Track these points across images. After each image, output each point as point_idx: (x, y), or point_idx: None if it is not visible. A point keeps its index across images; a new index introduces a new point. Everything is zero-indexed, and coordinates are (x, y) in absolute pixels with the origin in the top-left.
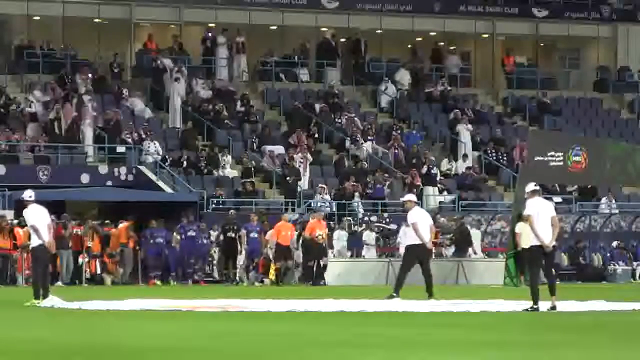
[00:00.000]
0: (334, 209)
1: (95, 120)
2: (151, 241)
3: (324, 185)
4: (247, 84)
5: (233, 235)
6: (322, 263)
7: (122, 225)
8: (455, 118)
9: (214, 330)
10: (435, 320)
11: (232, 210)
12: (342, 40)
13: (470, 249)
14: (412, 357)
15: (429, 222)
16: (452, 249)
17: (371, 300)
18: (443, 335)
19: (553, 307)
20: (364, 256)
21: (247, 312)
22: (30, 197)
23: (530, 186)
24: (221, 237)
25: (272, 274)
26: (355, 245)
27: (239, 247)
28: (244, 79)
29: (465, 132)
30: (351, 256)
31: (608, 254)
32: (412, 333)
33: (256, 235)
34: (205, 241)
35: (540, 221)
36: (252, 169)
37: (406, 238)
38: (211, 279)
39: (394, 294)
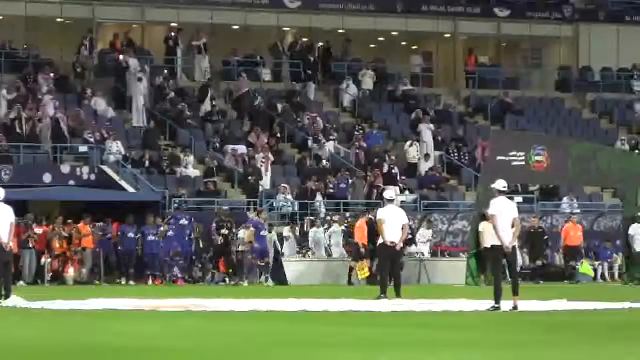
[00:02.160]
0: (296, 208)
1: (57, 120)
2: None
3: (286, 185)
4: (210, 83)
5: (227, 232)
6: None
7: (83, 224)
8: (417, 118)
9: (179, 329)
10: (398, 320)
11: (225, 207)
12: (304, 40)
13: (412, 247)
14: (378, 356)
15: (402, 221)
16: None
17: (334, 300)
18: (406, 335)
19: (515, 307)
20: (330, 255)
21: (210, 311)
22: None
23: (500, 184)
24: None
25: (364, 273)
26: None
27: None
28: (205, 78)
29: (427, 131)
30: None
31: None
32: (376, 333)
33: (265, 234)
34: (187, 239)
35: (503, 221)
36: (215, 168)
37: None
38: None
39: (382, 295)
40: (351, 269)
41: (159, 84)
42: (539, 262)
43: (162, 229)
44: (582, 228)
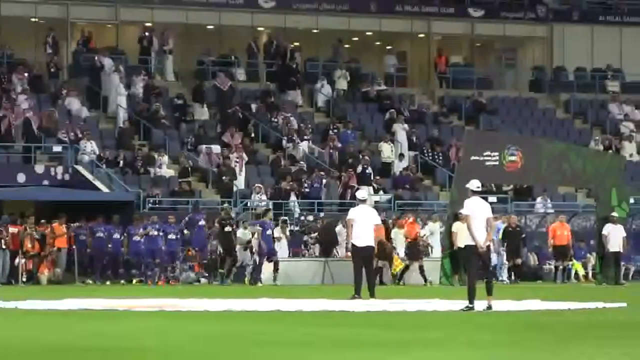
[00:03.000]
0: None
1: (31, 120)
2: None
3: (260, 185)
4: (184, 83)
5: (230, 229)
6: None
7: (57, 224)
8: (391, 118)
9: (151, 329)
10: (372, 320)
11: (226, 204)
12: (279, 39)
13: (335, 249)
14: (349, 356)
15: (373, 221)
16: (317, 248)
17: (308, 300)
18: (379, 334)
19: (489, 307)
20: (304, 255)
21: (184, 311)
22: None
23: (473, 185)
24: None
25: (400, 265)
26: (294, 245)
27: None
28: (169, 79)
29: (401, 131)
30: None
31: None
32: (348, 332)
33: (271, 233)
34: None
35: (477, 221)
36: (189, 168)
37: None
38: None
39: (356, 295)
40: (380, 269)
41: (133, 84)
42: (518, 261)
43: (141, 230)
44: (570, 227)
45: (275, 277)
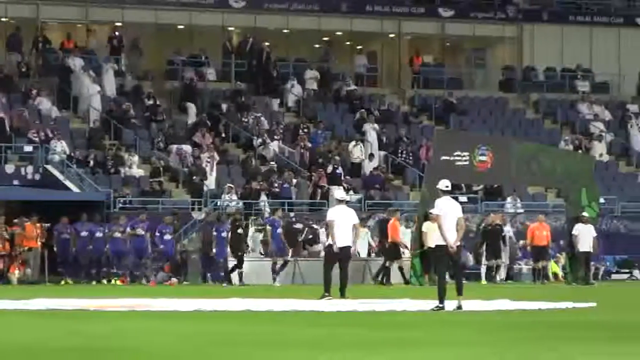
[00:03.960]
0: (241, 208)
1: (1, 120)
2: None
3: (231, 185)
4: (155, 83)
5: (241, 231)
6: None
7: (28, 223)
8: (361, 117)
9: (121, 329)
10: (342, 320)
11: (232, 205)
12: (249, 39)
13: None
14: (319, 356)
15: (352, 221)
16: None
17: (278, 300)
18: (349, 334)
19: (459, 307)
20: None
21: (154, 311)
22: None
23: (443, 184)
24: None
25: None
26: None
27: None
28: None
29: (371, 131)
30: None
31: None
32: (318, 332)
33: (281, 231)
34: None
35: (447, 221)
36: (161, 168)
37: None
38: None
39: (326, 294)
40: (387, 269)
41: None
42: (499, 261)
43: (128, 229)
44: (550, 227)
45: (274, 279)
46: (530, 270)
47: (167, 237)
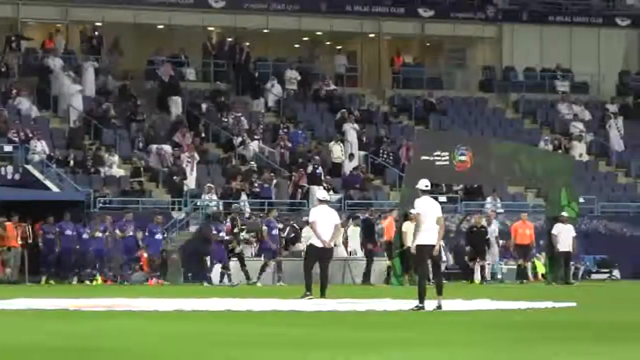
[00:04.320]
0: (221, 208)
1: None
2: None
3: (211, 185)
4: (135, 83)
5: (237, 231)
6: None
7: (8, 224)
8: (342, 117)
9: (100, 329)
10: (322, 320)
11: (235, 205)
12: (229, 39)
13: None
14: (302, 356)
15: (334, 222)
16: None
17: (258, 299)
18: (329, 334)
19: (439, 307)
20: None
21: (134, 311)
22: None
23: (422, 184)
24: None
25: None
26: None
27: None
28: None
29: (351, 131)
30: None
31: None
32: (298, 332)
33: (277, 232)
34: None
35: (427, 221)
36: (142, 168)
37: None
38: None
39: (307, 293)
40: (389, 268)
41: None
42: (484, 263)
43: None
44: (533, 226)
45: (279, 278)
46: (510, 270)
47: (158, 236)
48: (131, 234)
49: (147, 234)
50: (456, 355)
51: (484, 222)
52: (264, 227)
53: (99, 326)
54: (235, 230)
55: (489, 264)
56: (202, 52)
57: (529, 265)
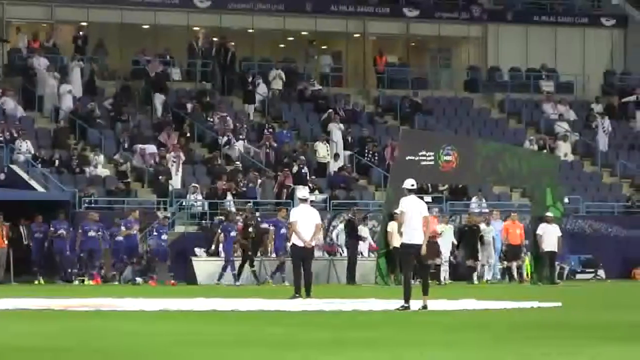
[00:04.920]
0: (206, 208)
1: None
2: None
3: (196, 185)
4: (120, 82)
5: (252, 230)
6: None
7: None
8: (328, 117)
9: (83, 329)
10: (307, 319)
11: (249, 204)
12: (215, 39)
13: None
14: (285, 355)
15: (314, 221)
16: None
17: (244, 299)
18: (315, 334)
19: (424, 307)
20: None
21: (119, 311)
22: None
23: (408, 183)
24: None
25: None
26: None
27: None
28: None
29: (336, 131)
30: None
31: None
32: (284, 332)
33: (285, 232)
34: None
35: (413, 220)
36: (128, 171)
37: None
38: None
39: (296, 295)
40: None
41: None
42: (477, 262)
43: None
44: (523, 226)
45: (283, 278)
46: (499, 270)
47: (164, 237)
48: (135, 232)
49: (154, 233)
50: (438, 356)
51: (482, 223)
52: (272, 228)
53: (82, 326)
54: (250, 229)
55: (482, 264)
56: (187, 52)
57: (522, 265)
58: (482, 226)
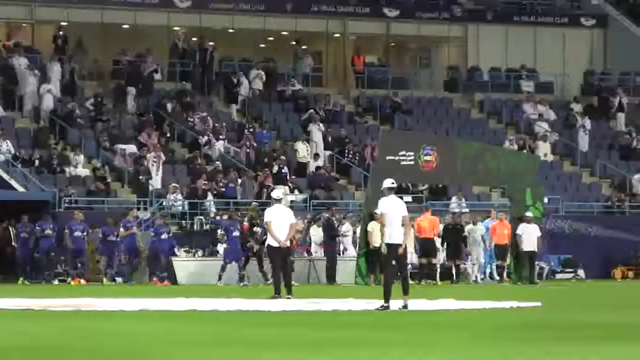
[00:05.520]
0: (186, 208)
1: None
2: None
3: (176, 185)
4: (103, 82)
5: (259, 229)
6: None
7: None
8: (309, 117)
9: (62, 329)
10: (287, 319)
11: (254, 203)
12: (194, 39)
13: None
14: (264, 355)
15: (289, 221)
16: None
17: (225, 299)
18: (294, 334)
19: (405, 306)
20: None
21: (99, 311)
22: None
23: (388, 182)
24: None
25: None
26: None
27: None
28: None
29: (316, 131)
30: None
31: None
32: (264, 332)
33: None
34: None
35: (392, 220)
36: (107, 174)
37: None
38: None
39: (276, 295)
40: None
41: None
42: (458, 262)
43: (121, 230)
44: (511, 226)
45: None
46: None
47: (164, 236)
48: (135, 231)
49: (153, 233)
50: (417, 356)
51: (470, 223)
52: None
53: (63, 326)
54: (255, 229)
55: (464, 263)
56: (169, 52)
57: (494, 265)
58: (470, 226)
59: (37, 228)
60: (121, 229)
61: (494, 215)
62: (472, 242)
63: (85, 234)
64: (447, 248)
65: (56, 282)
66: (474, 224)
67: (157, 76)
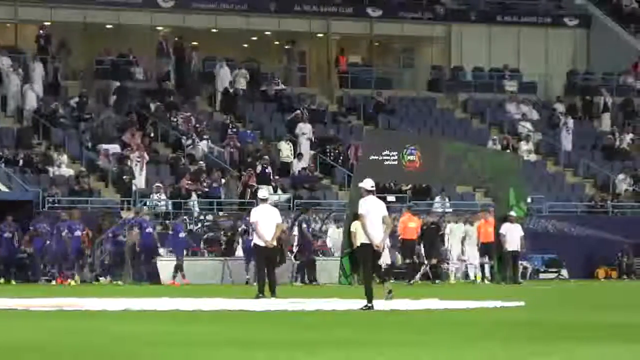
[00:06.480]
0: (170, 207)
1: None
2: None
3: (160, 185)
4: (84, 82)
5: (305, 227)
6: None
7: None
8: (295, 117)
9: (43, 329)
10: (271, 319)
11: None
12: (176, 39)
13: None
14: (250, 355)
15: (275, 220)
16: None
17: (208, 299)
18: (278, 334)
19: (390, 291)
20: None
21: (82, 310)
22: None
23: (367, 184)
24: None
25: None
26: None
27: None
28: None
29: (302, 131)
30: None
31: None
32: (247, 332)
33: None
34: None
35: (372, 220)
36: (92, 167)
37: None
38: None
39: (260, 295)
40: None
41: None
42: (434, 261)
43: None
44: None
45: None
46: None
47: (182, 235)
48: (150, 230)
49: (170, 233)
50: (401, 355)
51: (435, 219)
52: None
53: (45, 326)
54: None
55: (447, 263)
56: (155, 53)
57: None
58: (451, 224)
59: (31, 228)
60: (135, 230)
61: (483, 217)
62: (453, 242)
63: (85, 233)
64: (424, 247)
65: (42, 281)
66: (465, 223)
67: (140, 76)
